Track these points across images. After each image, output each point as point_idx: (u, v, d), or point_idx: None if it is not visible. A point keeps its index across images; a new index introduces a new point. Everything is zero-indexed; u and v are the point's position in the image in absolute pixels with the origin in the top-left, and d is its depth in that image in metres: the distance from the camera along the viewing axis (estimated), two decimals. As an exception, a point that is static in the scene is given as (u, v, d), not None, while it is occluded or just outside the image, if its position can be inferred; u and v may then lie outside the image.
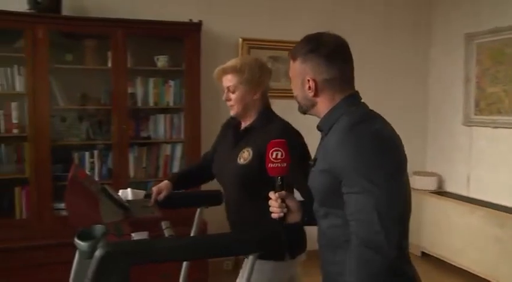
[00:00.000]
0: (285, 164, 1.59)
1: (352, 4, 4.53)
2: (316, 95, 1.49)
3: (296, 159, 1.73)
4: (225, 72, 2.04)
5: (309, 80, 1.47)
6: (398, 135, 1.44)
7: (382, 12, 4.68)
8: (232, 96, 2.03)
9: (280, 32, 4.20)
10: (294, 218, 1.63)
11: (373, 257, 1.29)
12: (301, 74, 1.50)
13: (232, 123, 2.20)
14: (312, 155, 1.63)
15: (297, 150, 1.87)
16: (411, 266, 1.42)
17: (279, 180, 1.61)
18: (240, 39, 4.11)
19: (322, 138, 1.55)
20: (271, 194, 1.61)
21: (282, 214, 1.60)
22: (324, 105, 1.50)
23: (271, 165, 1.61)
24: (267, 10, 4.27)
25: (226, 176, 2.09)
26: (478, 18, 4.31)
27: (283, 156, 1.59)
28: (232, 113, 2.09)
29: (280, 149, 1.61)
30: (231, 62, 2.04)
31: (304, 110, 1.57)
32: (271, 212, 1.61)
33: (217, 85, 2.14)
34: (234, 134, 2.15)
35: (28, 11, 3.35)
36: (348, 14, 4.44)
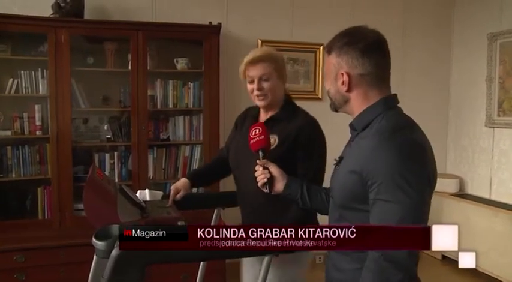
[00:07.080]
0: (262, 137, 1.81)
1: (372, 4, 4.50)
2: (349, 90, 1.43)
3: (318, 155, 1.94)
4: (261, 59, 1.98)
5: (342, 74, 1.42)
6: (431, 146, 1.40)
7: (403, 11, 4.64)
8: (266, 84, 1.98)
9: (299, 33, 4.19)
10: (278, 186, 1.76)
11: (394, 273, 1.23)
12: (335, 68, 1.45)
13: (250, 114, 2.17)
14: (332, 152, 1.63)
15: (322, 147, 1.98)
16: None
17: (261, 153, 1.80)
18: (259, 41, 4.12)
19: (352, 138, 1.50)
20: (256, 166, 1.78)
21: (265, 180, 1.74)
22: (357, 102, 1.44)
23: (252, 141, 1.83)
24: (286, 12, 4.27)
25: (247, 165, 1.99)
26: (501, 18, 4.24)
27: (261, 131, 1.82)
28: (262, 103, 2.02)
29: (257, 127, 1.85)
30: (262, 51, 2.03)
31: (336, 107, 1.51)
32: (258, 180, 1.77)
33: (241, 80, 2.08)
34: (254, 123, 2.08)
35: (52, 15, 3.42)
36: (368, 14, 4.41)
